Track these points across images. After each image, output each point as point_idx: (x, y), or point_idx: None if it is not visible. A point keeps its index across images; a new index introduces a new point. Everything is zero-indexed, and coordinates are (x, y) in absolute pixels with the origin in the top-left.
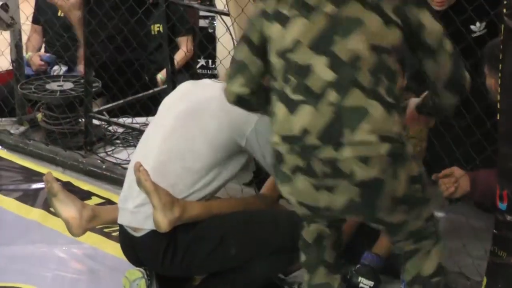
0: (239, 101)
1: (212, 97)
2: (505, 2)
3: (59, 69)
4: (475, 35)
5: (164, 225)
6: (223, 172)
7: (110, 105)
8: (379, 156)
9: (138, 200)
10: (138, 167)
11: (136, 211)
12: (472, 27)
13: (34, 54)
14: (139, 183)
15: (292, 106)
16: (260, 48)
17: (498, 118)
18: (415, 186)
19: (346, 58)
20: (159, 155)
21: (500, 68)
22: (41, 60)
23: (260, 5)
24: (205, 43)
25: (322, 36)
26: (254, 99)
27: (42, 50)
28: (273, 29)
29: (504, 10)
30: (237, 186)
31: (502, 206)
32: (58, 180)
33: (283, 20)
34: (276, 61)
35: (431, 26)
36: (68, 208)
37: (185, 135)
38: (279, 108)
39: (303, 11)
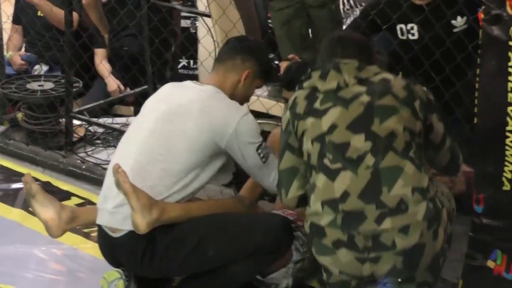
0: (300, 200)
1: (193, 100)
2: (483, 7)
3: (40, 68)
4: (456, 30)
5: (142, 227)
6: (202, 174)
7: (90, 105)
8: (416, 223)
9: (117, 200)
10: (117, 169)
11: (115, 212)
12: (453, 22)
13: (15, 54)
14: (118, 184)
15: (331, 175)
16: (298, 148)
17: (475, 121)
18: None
19: (383, 134)
20: (138, 156)
21: (478, 72)
22: (22, 59)
23: (286, 115)
24: (187, 44)
25: (360, 119)
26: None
27: (23, 49)
28: (308, 123)
29: (483, 16)
30: (217, 187)
31: (478, 209)
32: (37, 180)
33: (317, 114)
34: (310, 146)
35: (437, 128)
36: (47, 209)
37: (165, 137)
38: (319, 179)
39: (339, 103)
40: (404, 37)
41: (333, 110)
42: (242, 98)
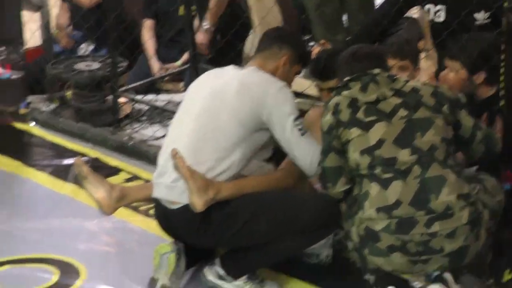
0: (344, 195)
1: (234, 78)
2: None
3: (86, 47)
4: (477, 23)
5: (200, 206)
6: (248, 149)
7: (135, 83)
8: (461, 227)
9: (174, 175)
10: (175, 154)
11: (173, 186)
12: (475, 15)
13: (62, 32)
14: (176, 168)
15: (384, 184)
16: (341, 150)
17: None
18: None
19: (426, 148)
20: (190, 136)
21: (503, 58)
22: (69, 37)
23: (328, 118)
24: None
25: (404, 135)
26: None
27: (70, 28)
28: (353, 133)
29: (506, 4)
30: (258, 162)
31: None
32: (87, 156)
33: (362, 125)
34: (359, 157)
35: (466, 123)
36: (98, 189)
37: (212, 115)
38: (372, 187)
39: (380, 116)
40: (431, 18)
41: (379, 125)
42: None
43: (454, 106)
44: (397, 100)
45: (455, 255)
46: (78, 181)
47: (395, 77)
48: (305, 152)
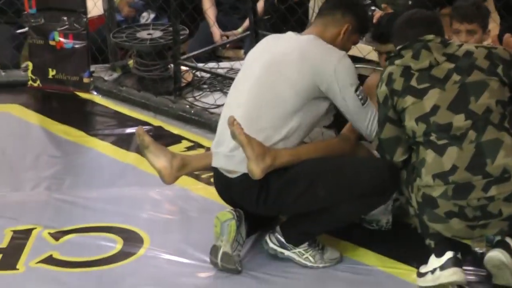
0: (403, 164)
1: (294, 47)
2: None
3: (148, 16)
4: None
5: (258, 173)
6: (306, 118)
7: (196, 52)
8: None
9: (232, 144)
10: (232, 121)
11: (231, 155)
12: None
13: (123, 1)
14: (234, 136)
15: (439, 150)
16: (398, 120)
17: None
18: None
19: (481, 111)
20: (247, 104)
21: None
22: (130, 6)
23: (383, 89)
24: None
25: (458, 99)
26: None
27: None
28: (407, 101)
29: None
30: (318, 129)
31: None
32: (150, 124)
33: (416, 92)
34: (414, 125)
35: None
36: (159, 158)
37: (270, 84)
38: (428, 154)
39: (434, 83)
40: None
41: (432, 92)
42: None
43: (510, 66)
44: (450, 65)
45: None
46: (140, 150)
47: (448, 42)
48: (365, 121)
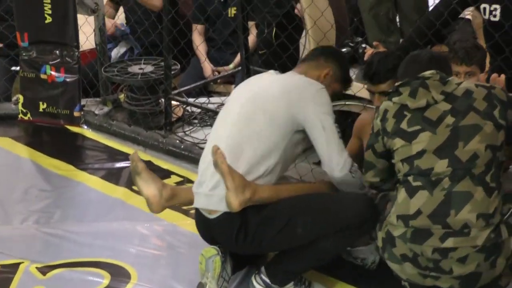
0: (372, 186)
1: (275, 82)
2: None
3: (118, 51)
4: None
5: (236, 205)
6: (285, 152)
7: (188, 87)
8: (474, 253)
9: (211, 183)
10: (216, 150)
11: (211, 194)
12: None
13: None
14: (216, 165)
15: (411, 192)
16: (383, 154)
17: None
18: None
19: (465, 158)
20: (228, 140)
21: None
22: (115, 31)
23: (377, 122)
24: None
25: (446, 144)
26: (384, 185)
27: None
28: (396, 143)
29: None
30: (308, 165)
31: None
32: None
33: (405, 135)
34: (400, 165)
35: None
36: (149, 186)
37: (249, 119)
38: (401, 194)
39: (425, 125)
40: (486, 17)
41: (423, 135)
42: None
43: (507, 107)
44: (446, 106)
45: (465, 279)
46: (131, 176)
47: (447, 80)
48: (339, 154)
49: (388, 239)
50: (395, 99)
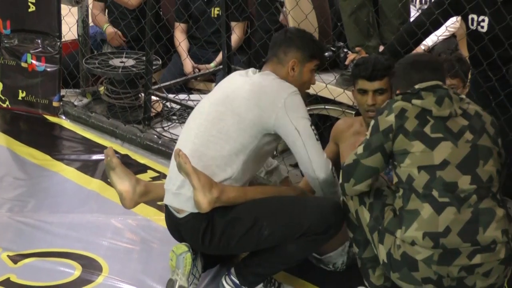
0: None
1: (245, 82)
2: None
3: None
4: None
5: (204, 204)
6: (251, 156)
7: (168, 82)
8: (497, 265)
9: (178, 182)
10: (178, 152)
11: (178, 193)
12: None
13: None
14: (179, 167)
15: (438, 208)
16: (389, 154)
17: None
18: None
19: (485, 178)
20: (194, 139)
21: None
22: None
23: (390, 119)
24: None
25: (468, 160)
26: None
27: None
28: (414, 146)
29: None
30: (284, 166)
31: None
32: (116, 152)
33: (427, 141)
34: (415, 172)
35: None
36: (123, 182)
37: (216, 119)
38: (425, 208)
39: (447, 135)
40: (474, 28)
41: (445, 144)
42: (300, 85)
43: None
44: (464, 121)
45: None
46: (106, 170)
47: (462, 96)
48: (319, 155)
49: (406, 263)
50: (416, 101)
